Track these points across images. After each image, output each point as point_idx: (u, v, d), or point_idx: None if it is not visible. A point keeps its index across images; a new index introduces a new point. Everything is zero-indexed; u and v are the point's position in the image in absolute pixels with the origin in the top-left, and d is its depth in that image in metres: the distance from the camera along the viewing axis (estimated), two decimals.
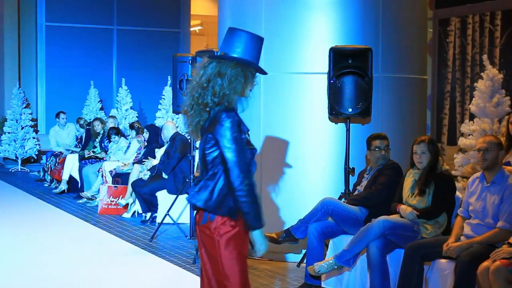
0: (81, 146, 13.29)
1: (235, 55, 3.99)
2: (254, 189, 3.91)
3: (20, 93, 16.30)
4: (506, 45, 12.50)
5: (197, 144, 9.66)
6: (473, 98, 8.28)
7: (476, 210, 5.58)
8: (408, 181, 6.15)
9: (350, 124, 7.24)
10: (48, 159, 13.78)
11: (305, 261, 6.72)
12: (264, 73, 4.09)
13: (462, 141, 8.21)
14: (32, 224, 9.88)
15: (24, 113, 16.31)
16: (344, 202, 6.71)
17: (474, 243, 5.38)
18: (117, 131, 12.21)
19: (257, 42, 4.06)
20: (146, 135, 11.39)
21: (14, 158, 16.29)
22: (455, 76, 13.49)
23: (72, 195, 12.30)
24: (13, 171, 16.04)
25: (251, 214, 3.92)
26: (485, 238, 5.38)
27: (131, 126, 12.01)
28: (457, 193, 6.18)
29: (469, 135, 8.08)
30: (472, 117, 8.33)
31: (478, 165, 5.77)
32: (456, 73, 13.49)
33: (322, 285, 6.49)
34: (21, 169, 16.17)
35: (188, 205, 9.03)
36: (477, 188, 5.64)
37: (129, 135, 12.25)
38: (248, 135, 4.02)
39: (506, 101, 8.11)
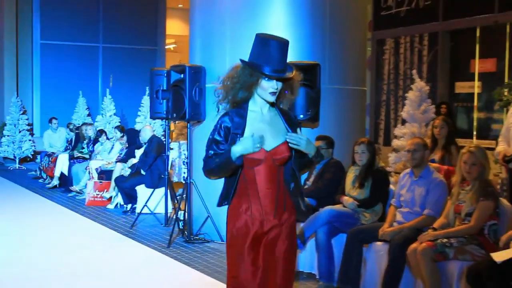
0: (71, 147, 13.22)
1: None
2: (207, 168, 3.50)
3: (17, 101, 16.11)
4: (431, 62, 12.67)
5: (171, 145, 9.66)
6: (405, 106, 8.40)
7: (406, 200, 5.64)
8: (350, 176, 6.20)
9: (302, 128, 7.25)
10: (42, 159, 13.68)
11: None
12: (265, 75, 3.40)
13: (395, 142, 8.32)
14: (27, 215, 9.77)
15: (21, 119, 16.14)
16: None
17: (405, 228, 5.43)
18: (102, 133, 12.23)
19: (267, 45, 3.46)
20: (124, 137, 11.39)
21: (13, 157, 16.08)
22: (390, 88, 13.63)
23: (62, 190, 12.22)
24: (11, 169, 15.82)
25: (218, 165, 3.44)
26: (414, 224, 5.44)
27: (121, 129, 11.95)
28: (391, 186, 6.23)
29: (401, 137, 8.19)
30: (403, 122, 8.45)
31: (408, 162, 5.85)
32: (390, 85, 13.63)
33: None
34: (18, 167, 15.97)
35: (163, 197, 9.01)
36: (407, 182, 5.71)
37: (112, 137, 12.21)
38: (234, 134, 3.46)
39: (431, 109, 8.24)
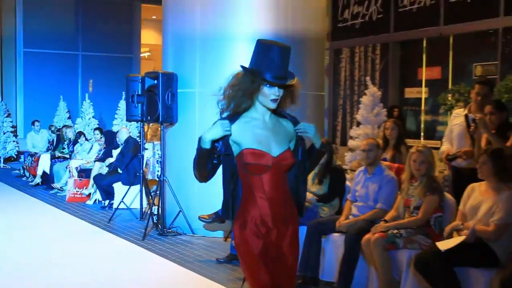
0: (52, 148, 13.07)
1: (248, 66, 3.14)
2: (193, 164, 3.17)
3: (2, 105, 15.91)
4: (383, 70, 12.78)
5: (146, 145, 9.59)
6: (359, 110, 8.45)
7: (361, 195, 5.68)
8: (310, 174, 6.22)
9: None
10: (26, 159, 13.50)
11: (230, 236, 6.73)
12: (266, 81, 3.07)
13: (351, 143, 8.37)
14: (11, 210, 9.64)
15: (5, 121, 15.91)
16: None
17: (359, 220, 5.47)
18: (80, 135, 12.13)
19: (268, 51, 3.09)
20: (102, 138, 11.29)
21: None
22: (346, 93, 13.71)
23: (45, 187, 12.06)
24: None
25: (196, 156, 3.13)
26: (368, 216, 5.49)
27: (100, 131, 11.86)
28: (347, 182, 6.27)
29: (356, 138, 8.23)
30: (358, 124, 8.50)
31: (362, 161, 5.89)
32: (346, 90, 13.71)
33: None
34: (3, 166, 15.70)
35: (139, 194, 8.95)
36: (362, 179, 5.75)
37: (91, 138, 12.10)
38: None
39: (383, 112, 8.30)
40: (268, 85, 3.07)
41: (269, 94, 3.08)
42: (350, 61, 13.64)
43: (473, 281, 4.48)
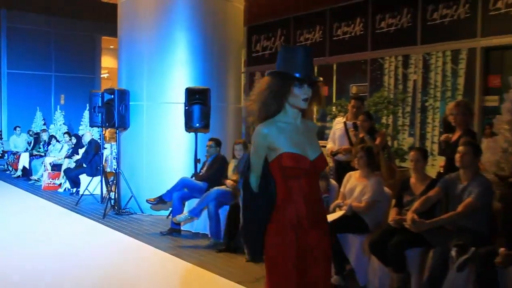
0: (30, 148, 12.46)
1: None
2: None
3: None
4: None
5: (105, 145, 9.28)
6: None
7: None
8: (231, 166, 6.18)
9: (198, 133, 7.19)
10: (9, 157, 12.81)
11: (171, 214, 6.60)
12: (297, 79, 2.33)
13: None
14: None
15: None
16: (193, 179, 6.64)
17: None
18: (52, 138, 11.63)
19: (291, 52, 2.39)
20: (74, 140, 10.84)
21: None
22: None
23: (24, 179, 11.44)
24: None
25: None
26: None
27: (69, 134, 11.39)
28: None
29: None
30: None
31: None
32: None
33: (182, 228, 6.40)
34: None
35: (99, 183, 8.63)
36: None
37: (62, 140, 11.62)
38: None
39: None
40: (298, 85, 2.33)
41: (300, 94, 2.34)
42: None
43: (351, 243, 4.55)
